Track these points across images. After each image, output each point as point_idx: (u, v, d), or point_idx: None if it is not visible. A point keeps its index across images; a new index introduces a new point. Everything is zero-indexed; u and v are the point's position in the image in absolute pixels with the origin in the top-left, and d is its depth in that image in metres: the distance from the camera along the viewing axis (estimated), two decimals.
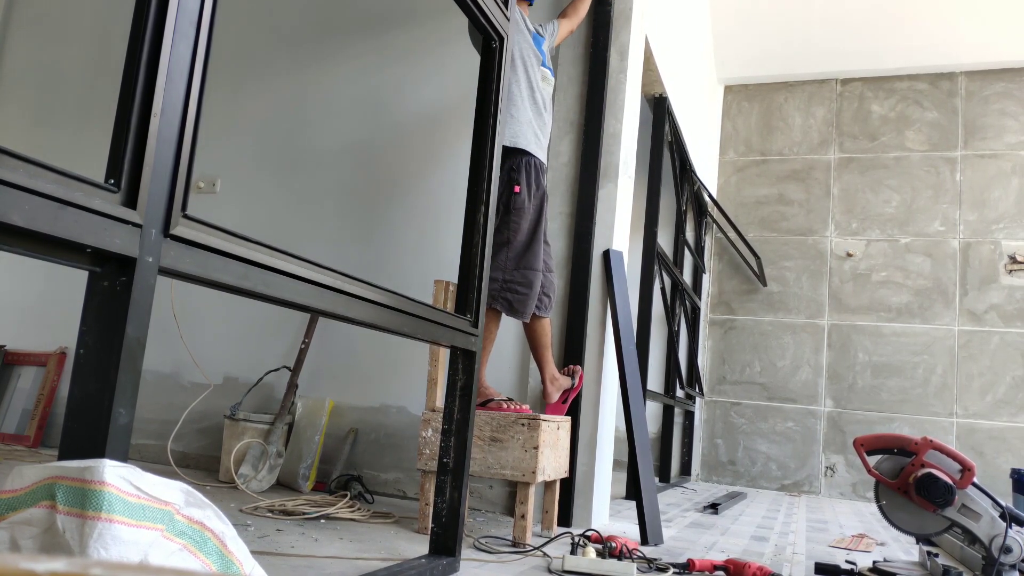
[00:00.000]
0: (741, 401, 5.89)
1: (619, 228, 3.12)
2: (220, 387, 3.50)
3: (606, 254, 3.02)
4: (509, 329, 3.08)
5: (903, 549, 3.06)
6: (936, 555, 2.37)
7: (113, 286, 0.94)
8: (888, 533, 3.54)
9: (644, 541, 2.56)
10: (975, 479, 2.24)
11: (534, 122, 2.70)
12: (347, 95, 3.61)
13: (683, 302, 5.42)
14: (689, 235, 5.74)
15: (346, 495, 2.81)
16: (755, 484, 5.74)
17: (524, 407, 2.58)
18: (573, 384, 2.84)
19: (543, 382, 2.79)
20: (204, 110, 1.05)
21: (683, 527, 3.11)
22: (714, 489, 5.24)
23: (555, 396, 2.79)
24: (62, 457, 0.90)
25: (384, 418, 3.27)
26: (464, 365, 1.98)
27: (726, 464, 5.85)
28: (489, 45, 2.10)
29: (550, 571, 2.02)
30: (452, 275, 2.62)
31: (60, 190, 0.84)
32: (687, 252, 5.61)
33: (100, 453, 0.90)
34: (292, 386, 3.28)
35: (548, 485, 2.63)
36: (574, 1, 3.03)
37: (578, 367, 2.89)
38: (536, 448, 2.37)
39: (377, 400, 3.30)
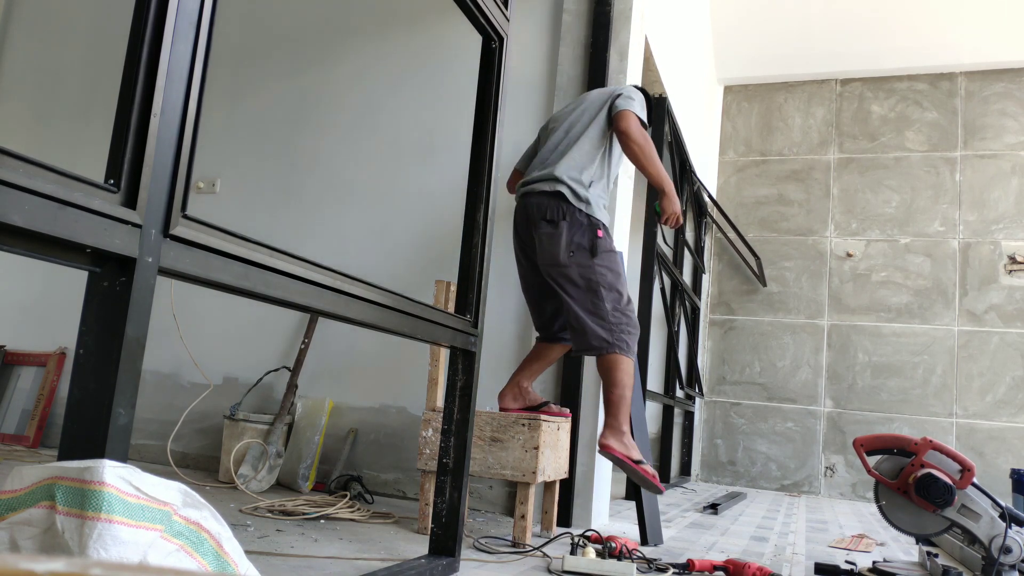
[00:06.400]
0: (741, 401, 5.89)
1: (619, 228, 3.12)
2: (220, 387, 3.50)
3: None
4: (510, 329, 3.08)
5: (903, 549, 3.06)
6: (936, 555, 2.37)
7: (113, 286, 0.94)
8: (888, 533, 3.54)
9: (644, 541, 2.56)
10: (975, 479, 2.24)
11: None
12: (347, 95, 3.61)
13: (683, 302, 5.41)
14: (689, 235, 5.74)
15: (346, 495, 2.81)
16: (755, 484, 5.74)
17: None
18: (541, 408, 2.63)
19: (510, 383, 2.61)
20: (204, 110, 1.05)
21: (683, 527, 3.11)
22: (714, 489, 5.24)
23: (512, 404, 2.59)
24: (62, 457, 0.90)
25: (384, 418, 3.27)
26: (464, 365, 1.98)
27: (726, 464, 5.85)
28: (489, 45, 2.10)
29: (550, 571, 2.02)
30: (452, 275, 2.62)
31: (60, 190, 0.84)
32: (687, 252, 5.60)
33: (100, 453, 0.90)
34: (292, 386, 3.28)
35: (548, 485, 2.63)
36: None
37: (566, 410, 2.71)
38: (536, 448, 2.37)
39: (377, 400, 3.30)
